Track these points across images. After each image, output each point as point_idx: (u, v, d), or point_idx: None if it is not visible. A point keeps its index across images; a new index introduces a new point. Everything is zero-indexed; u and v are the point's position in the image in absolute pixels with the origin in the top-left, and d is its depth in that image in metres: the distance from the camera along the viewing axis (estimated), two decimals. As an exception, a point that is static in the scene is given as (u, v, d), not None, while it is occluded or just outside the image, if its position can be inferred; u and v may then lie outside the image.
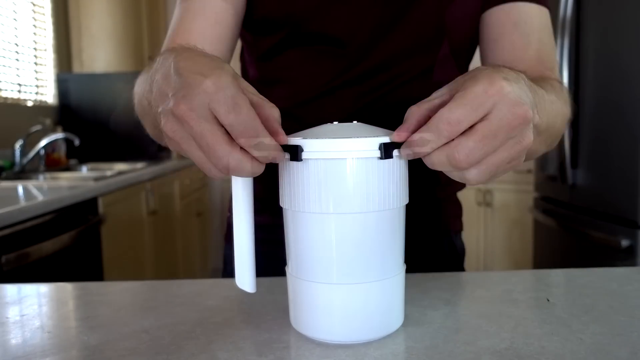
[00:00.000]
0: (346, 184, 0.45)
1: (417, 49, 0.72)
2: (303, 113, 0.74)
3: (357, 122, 0.51)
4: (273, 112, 0.43)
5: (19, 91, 2.71)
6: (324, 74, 0.73)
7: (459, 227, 0.86)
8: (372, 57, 0.71)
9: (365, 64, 0.72)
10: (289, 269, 0.51)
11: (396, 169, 0.47)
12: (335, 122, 0.52)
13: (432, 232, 0.82)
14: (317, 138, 0.46)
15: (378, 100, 0.73)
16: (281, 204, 0.50)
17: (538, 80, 0.57)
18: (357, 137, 0.45)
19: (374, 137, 0.45)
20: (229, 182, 0.49)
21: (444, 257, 0.83)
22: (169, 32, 0.73)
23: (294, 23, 0.71)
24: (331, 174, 0.45)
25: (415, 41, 0.71)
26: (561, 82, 0.67)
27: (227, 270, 0.86)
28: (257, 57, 0.78)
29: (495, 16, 0.70)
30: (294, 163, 0.47)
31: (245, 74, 0.83)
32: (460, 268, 0.86)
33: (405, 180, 0.48)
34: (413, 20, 0.70)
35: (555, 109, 0.56)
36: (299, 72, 0.74)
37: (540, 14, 0.71)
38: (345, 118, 0.72)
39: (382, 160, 0.46)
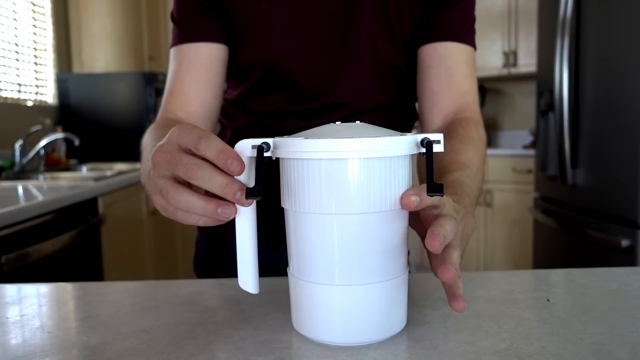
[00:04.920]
0: (348, 185, 0.45)
1: (369, 84, 0.82)
2: (268, 124, 0.84)
3: (360, 122, 0.51)
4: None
5: (19, 91, 2.71)
6: (285, 107, 0.83)
7: None
8: (325, 98, 0.81)
9: (321, 102, 0.82)
10: (290, 270, 0.51)
11: (399, 169, 0.47)
12: (337, 122, 0.51)
13: None
14: (319, 138, 0.46)
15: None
16: (282, 205, 0.50)
17: (460, 138, 0.73)
18: (359, 137, 0.45)
19: (376, 137, 0.45)
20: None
21: None
22: (168, 82, 0.84)
23: (268, 68, 0.80)
24: (333, 174, 0.45)
25: (366, 75, 0.81)
26: (477, 122, 0.79)
27: (198, 254, 0.94)
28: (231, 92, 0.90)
29: (426, 50, 0.82)
30: (295, 162, 0.47)
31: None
32: None
33: (408, 180, 0.48)
34: (358, 59, 0.80)
35: (477, 187, 0.69)
36: (262, 105, 0.85)
37: (464, 51, 0.82)
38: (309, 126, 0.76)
39: (384, 161, 0.45)
